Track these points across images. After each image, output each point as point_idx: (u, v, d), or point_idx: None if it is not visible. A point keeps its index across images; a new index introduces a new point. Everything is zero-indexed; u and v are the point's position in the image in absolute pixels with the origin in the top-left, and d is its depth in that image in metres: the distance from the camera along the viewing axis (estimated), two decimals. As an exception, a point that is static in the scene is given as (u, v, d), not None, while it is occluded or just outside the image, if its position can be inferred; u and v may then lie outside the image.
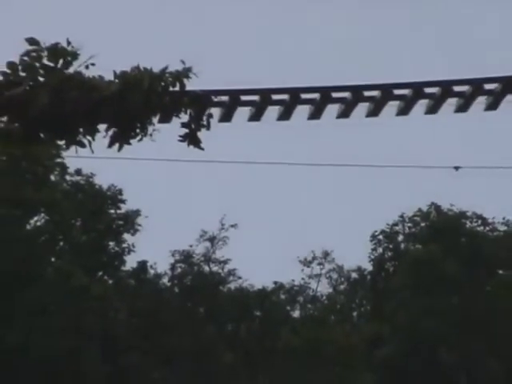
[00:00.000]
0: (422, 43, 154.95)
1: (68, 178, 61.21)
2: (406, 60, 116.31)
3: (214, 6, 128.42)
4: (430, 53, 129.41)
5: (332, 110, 28.79)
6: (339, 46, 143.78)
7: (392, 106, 29.68)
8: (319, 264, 73.69)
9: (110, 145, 28.06)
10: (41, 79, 27.71)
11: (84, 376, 56.65)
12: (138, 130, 28.32)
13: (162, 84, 27.49)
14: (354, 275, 73.25)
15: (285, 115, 28.37)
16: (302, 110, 28.79)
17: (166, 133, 28.55)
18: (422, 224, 68.30)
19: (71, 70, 28.08)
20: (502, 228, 68.86)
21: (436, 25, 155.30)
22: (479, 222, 68.99)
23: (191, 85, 27.00)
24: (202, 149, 28.07)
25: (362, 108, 27.99)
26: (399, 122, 29.78)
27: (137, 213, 61.56)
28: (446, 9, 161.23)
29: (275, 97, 28.51)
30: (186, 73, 27.02)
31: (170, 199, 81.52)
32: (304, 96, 29.01)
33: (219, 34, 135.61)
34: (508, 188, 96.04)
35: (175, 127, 28.33)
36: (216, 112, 27.94)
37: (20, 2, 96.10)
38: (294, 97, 28.89)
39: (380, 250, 69.97)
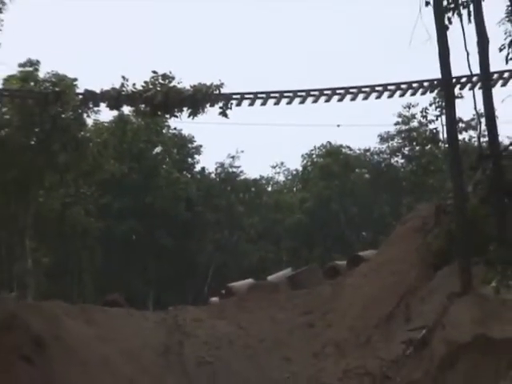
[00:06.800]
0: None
1: (170, 131, 61.45)
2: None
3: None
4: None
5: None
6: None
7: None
8: (279, 167, 73.74)
9: (189, 116, 29.18)
10: (158, 89, 28.70)
11: (176, 219, 57.81)
12: (200, 110, 29.34)
13: (211, 90, 28.50)
14: (294, 172, 73.14)
15: (263, 104, 29.42)
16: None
17: (212, 111, 29.43)
18: (323, 150, 67.74)
19: (171, 84, 29.06)
20: (358, 152, 67.84)
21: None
22: (348, 149, 67.73)
23: (224, 90, 28.21)
24: (228, 118, 29.19)
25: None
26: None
27: (201, 146, 61.87)
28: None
29: (260, 95, 29.50)
30: (221, 85, 28.25)
31: (214, 141, 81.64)
32: (272, 95, 29.92)
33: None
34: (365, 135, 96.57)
35: (216, 109, 29.34)
36: (234, 102, 29.13)
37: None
38: (266, 96, 29.76)
39: (305, 161, 69.36)
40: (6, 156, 40.80)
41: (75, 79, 37.51)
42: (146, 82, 29.69)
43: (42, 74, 40.39)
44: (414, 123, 58.71)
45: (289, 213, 65.54)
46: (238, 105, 29.95)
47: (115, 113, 48.99)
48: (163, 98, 29.33)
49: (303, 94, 30.31)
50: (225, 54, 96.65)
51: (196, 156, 62.33)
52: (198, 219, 58.85)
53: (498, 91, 26.33)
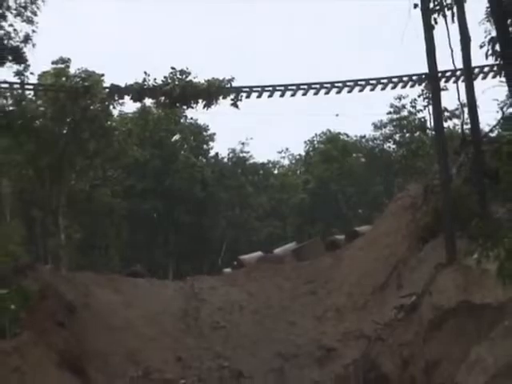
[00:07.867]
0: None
1: (187, 120, 60.65)
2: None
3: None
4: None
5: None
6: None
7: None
8: (284, 152, 72.77)
9: (203, 107, 29.08)
10: (176, 83, 28.61)
11: (192, 199, 57.05)
12: (214, 101, 29.23)
13: (223, 84, 28.38)
14: (298, 157, 72.33)
15: (270, 96, 29.30)
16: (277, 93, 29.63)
17: (224, 103, 29.29)
18: (324, 137, 67.10)
19: (188, 79, 28.97)
20: (354, 138, 67.17)
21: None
22: (346, 136, 67.03)
23: (234, 84, 28.12)
24: (239, 109, 29.08)
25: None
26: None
27: (214, 133, 61.22)
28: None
29: (267, 88, 29.38)
30: (232, 79, 28.12)
31: (227, 129, 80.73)
32: (278, 88, 29.83)
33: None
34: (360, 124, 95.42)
35: (228, 101, 29.21)
36: (244, 94, 29.00)
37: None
38: (273, 89, 29.64)
39: (307, 147, 68.63)
40: (42, 144, 40.87)
41: (102, 75, 37.38)
42: (165, 77, 29.71)
43: (72, 71, 40.26)
44: (405, 113, 58.23)
45: (293, 193, 65.22)
46: (248, 97, 29.91)
47: (138, 104, 48.79)
48: (181, 92, 29.33)
49: (305, 87, 30.27)
50: (229, 52, 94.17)
51: (210, 143, 61.87)
52: (212, 198, 58.67)
53: (479, 84, 26.26)
